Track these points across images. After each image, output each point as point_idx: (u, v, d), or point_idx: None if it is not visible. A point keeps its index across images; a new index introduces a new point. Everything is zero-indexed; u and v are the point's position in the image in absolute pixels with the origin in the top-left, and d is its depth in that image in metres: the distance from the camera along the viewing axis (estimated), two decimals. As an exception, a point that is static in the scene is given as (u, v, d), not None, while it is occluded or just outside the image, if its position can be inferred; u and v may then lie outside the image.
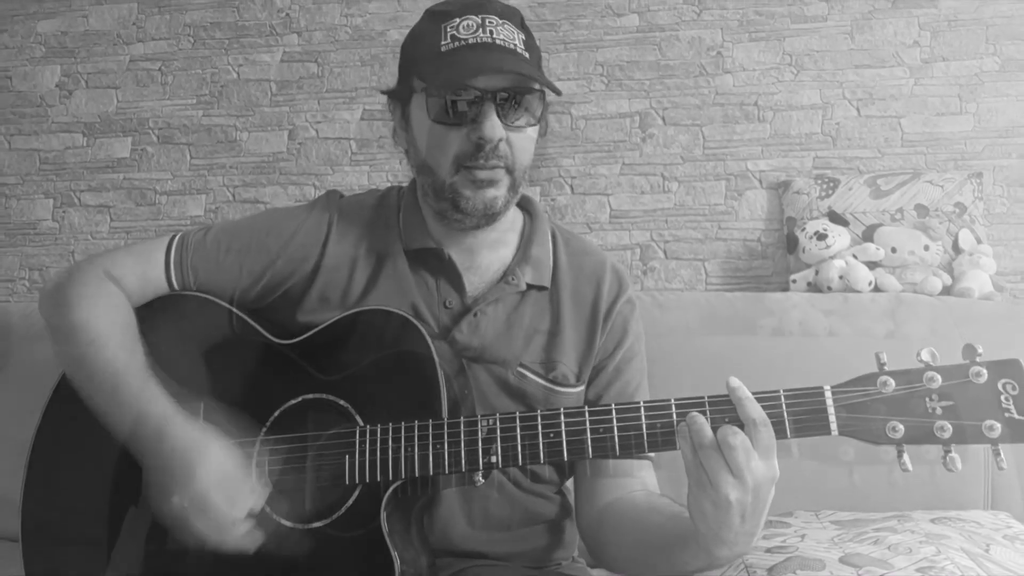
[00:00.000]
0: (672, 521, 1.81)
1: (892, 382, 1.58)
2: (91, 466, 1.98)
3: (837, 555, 2.10)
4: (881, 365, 1.62)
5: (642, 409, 1.69)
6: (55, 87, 4.52)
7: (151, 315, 2.05)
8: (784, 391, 1.62)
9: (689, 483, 1.60)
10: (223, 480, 1.75)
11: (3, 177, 4.52)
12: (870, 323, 2.87)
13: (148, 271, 2.07)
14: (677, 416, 1.66)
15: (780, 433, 1.59)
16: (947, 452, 1.56)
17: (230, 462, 1.77)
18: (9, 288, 4.50)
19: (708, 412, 1.62)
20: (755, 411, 1.56)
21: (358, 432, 1.80)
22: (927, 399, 1.57)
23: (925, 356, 1.60)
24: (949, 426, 1.54)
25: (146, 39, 4.48)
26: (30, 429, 2.09)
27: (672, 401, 1.67)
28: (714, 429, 1.58)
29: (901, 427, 1.56)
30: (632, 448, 1.69)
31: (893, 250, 3.58)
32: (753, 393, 1.62)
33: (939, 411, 1.56)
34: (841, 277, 3.50)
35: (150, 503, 1.83)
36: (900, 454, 1.58)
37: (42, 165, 4.49)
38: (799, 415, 1.61)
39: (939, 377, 1.57)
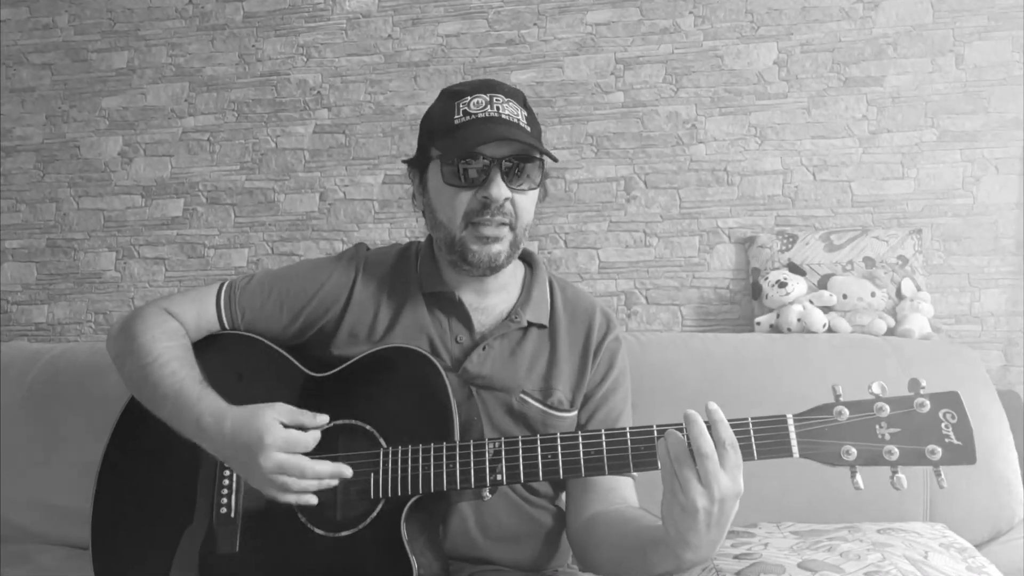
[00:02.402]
0: (646, 528, 1.83)
1: (846, 411, 1.60)
2: (152, 481, 2.00)
3: (796, 561, 2.10)
4: (837, 396, 1.64)
5: (628, 434, 1.71)
6: (117, 155, 4.54)
7: (204, 351, 2.07)
8: (752, 419, 1.64)
9: (664, 491, 1.61)
10: (287, 417, 1.82)
11: (72, 233, 4.54)
12: (825, 360, 2.88)
13: (202, 312, 2.10)
14: (658, 439, 1.67)
15: (747, 455, 1.62)
16: (894, 473, 1.57)
17: (282, 408, 1.80)
18: (77, 329, 4.51)
19: (684, 434, 1.64)
20: (726, 433, 1.57)
21: (382, 453, 1.83)
22: (877, 426, 1.59)
23: (875, 388, 1.63)
24: (896, 450, 1.56)
25: (196, 113, 4.51)
26: (96, 451, 2.11)
27: (654, 427, 1.69)
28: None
29: (854, 451, 1.58)
30: (619, 467, 1.71)
31: (844, 296, 3.59)
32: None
33: (887, 437, 1.58)
34: (799, 320, 3.51)
35: (246, 478, 1.86)
36: (853, 474, 1.59)
37: (106, 223, 4.51)
38: (765, 440, 1.62)
39: (887, 407, 1.59)
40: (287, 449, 1.75)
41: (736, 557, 2.22)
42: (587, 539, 2.07)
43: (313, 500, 1.79)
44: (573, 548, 2.18)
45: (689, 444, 1.57)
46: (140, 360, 1.97)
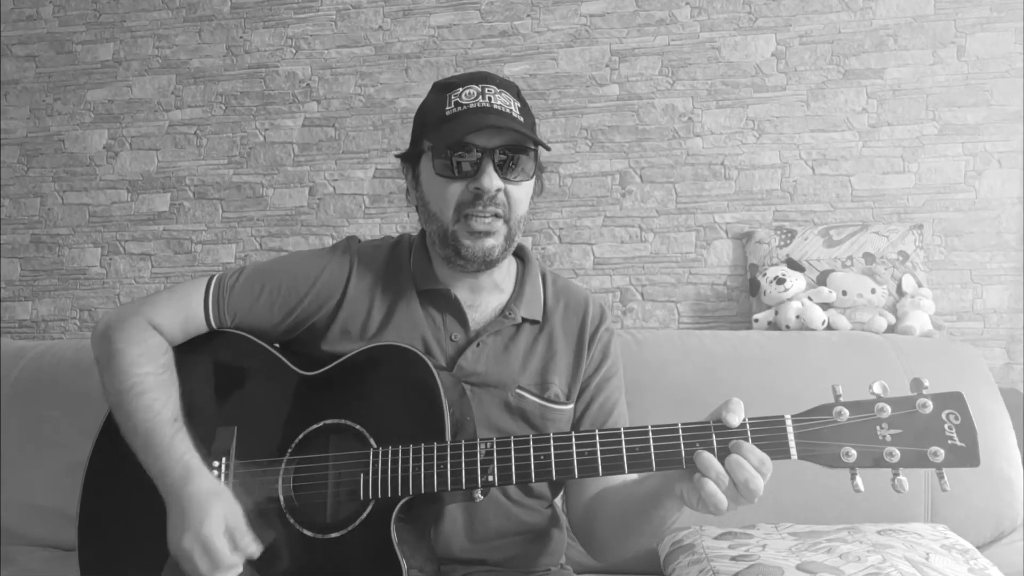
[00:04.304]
0: (644, 480, 1.84)
1: (846, 412, 1.59)
2: (140, 482, 1.98)
3: (795, 562, 2.10)
4: (837, 396, 1.63)
5: (623, 435, 1.70)
6: (103, 149, 4.54)
7: (193, 351, 2.06)
8: (749, 419, 1.63)
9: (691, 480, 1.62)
10: (228, 528, 1.77)
11: (57, 228, 4.54)
12: (824, 358, 2.88)
13: (188, 314, 2.08)
14: (654, 440, 1.67)
15: (743, 456, 1.61)
16: (896, 475, 1.56)
17: (237, 515, 1.80)
18: (62, 326, 4.50)
19: (681, 438, 1.64)
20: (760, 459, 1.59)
21: (372, 453, 1.81)
22: (878, 427, 1.58)
23: (876, 388, 1.62)
24: (897, 452, 1.55)
25: (183, 106, 4.51)
26: (80, 451, 2.10)
27: (649, 427, 1.68)
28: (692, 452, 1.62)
29: (854, 452, 1.57)
30: (613, 469, 1.70)
31: (844, 293, 3.59)
32: (719, 421, 1.63)
33: (889, 438, 1.57)
34: (798, 317, 3.51)
35: (168, 538, 1.84)
36: (853, 476, 1.58)
37: (91, 218, 4.51)
38: (762, 441, 1.61)
39: (889, 408, 1.57)
40: (203, 551, 1.75)
41: (734, 559, 2.22)
42: (591, 517, 2.07)
43: None
44: (578, 535, 2.18)
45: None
46: (117, 384, 1.96)
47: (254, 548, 1.79)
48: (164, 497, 1.85)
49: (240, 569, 1.78)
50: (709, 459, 1.59)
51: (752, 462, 1.57)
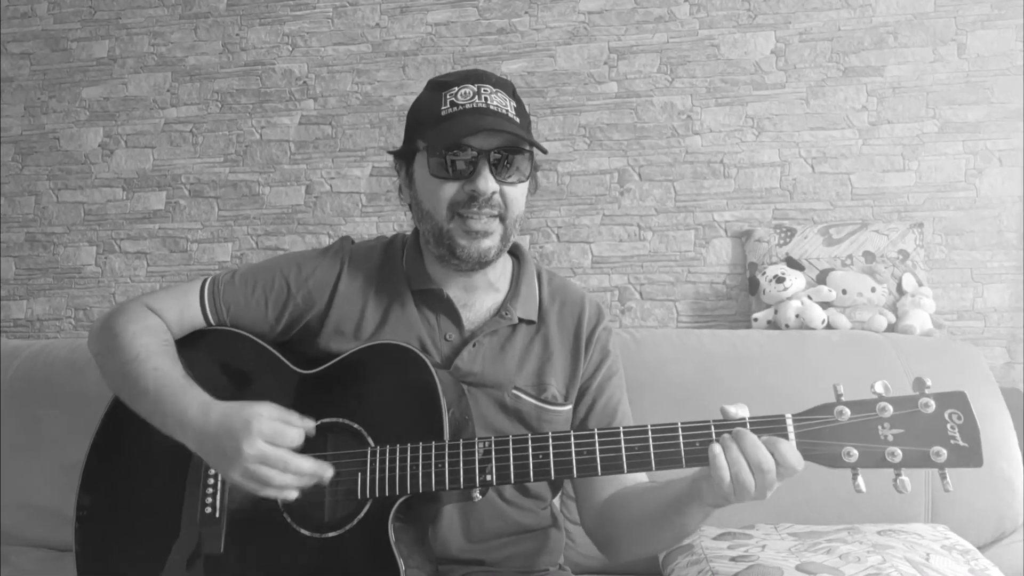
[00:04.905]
0: (666, 487, 1.83)
1: (848, 411, 1.58)
2: (137, 481, 1.98)
3: (794, 563, 2.10)
4: (838, 396, 1.62)
5: (621, 434, 1.69)
6: (98, 147, 4.54)
7: (190, 349, 2.06)
8: (748, 418, 1.63)
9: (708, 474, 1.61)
10: (275, 413, 1.76)
11: (51, 227, 4.54)
12: (823, 357, 2.87)
13: (185, 308, 2.09)
14: (653, 440, 1.66)
15: (744, 456, 1.60)
16: (898, 475, 1.55)
17: (270, 415, 1.76)
18: (57, 326, 4.50)
19: (681, 438, 1.64)
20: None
21: (369, 452, 1.81)
22: (879, 427, 1.57)
23: (878, 388, 1.61)
24: (899, 452, 1.54)
25: (179, 104, 4.51)
26: (76, 450, 2.09)
27: (648, 427, 1.67)
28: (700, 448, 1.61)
29: (855, 452, 1.56)
30: (612, 468, 1.69)
31: (844, 292, 3.59)
32: (719, 420, 1.63)
33: (890, 438, 1.56)
34: (797, 316, 3.51)
35: (219, 474, 1.89)
36: (855, 476, 1.57)
37: (86, 216, 4.51)
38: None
39: (891, 407, 1.56)
40: (272, 440, 1.72)
41: (733, 559, 2.22)
42: (609, 521, 2.06)
43: (292, 496, 1.77)
44: (592, 537, 2.16)
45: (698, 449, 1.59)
46: (121, 357, 1.95)
47: (309, 425, 1.80)
48: (193, 441, 1.82)
49: (306, 463, 1.76)
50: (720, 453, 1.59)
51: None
